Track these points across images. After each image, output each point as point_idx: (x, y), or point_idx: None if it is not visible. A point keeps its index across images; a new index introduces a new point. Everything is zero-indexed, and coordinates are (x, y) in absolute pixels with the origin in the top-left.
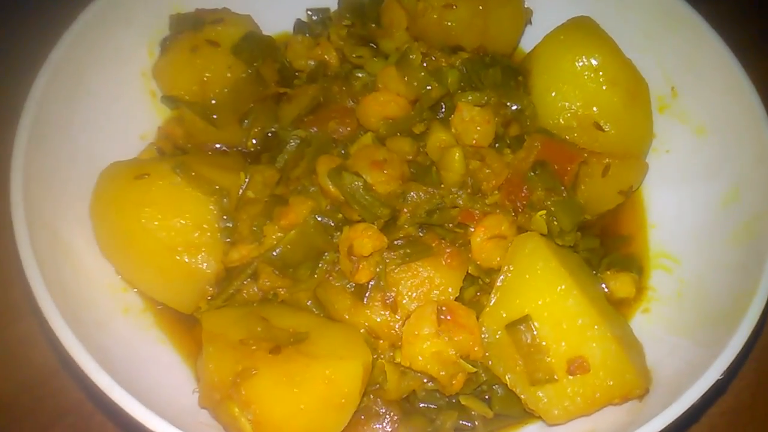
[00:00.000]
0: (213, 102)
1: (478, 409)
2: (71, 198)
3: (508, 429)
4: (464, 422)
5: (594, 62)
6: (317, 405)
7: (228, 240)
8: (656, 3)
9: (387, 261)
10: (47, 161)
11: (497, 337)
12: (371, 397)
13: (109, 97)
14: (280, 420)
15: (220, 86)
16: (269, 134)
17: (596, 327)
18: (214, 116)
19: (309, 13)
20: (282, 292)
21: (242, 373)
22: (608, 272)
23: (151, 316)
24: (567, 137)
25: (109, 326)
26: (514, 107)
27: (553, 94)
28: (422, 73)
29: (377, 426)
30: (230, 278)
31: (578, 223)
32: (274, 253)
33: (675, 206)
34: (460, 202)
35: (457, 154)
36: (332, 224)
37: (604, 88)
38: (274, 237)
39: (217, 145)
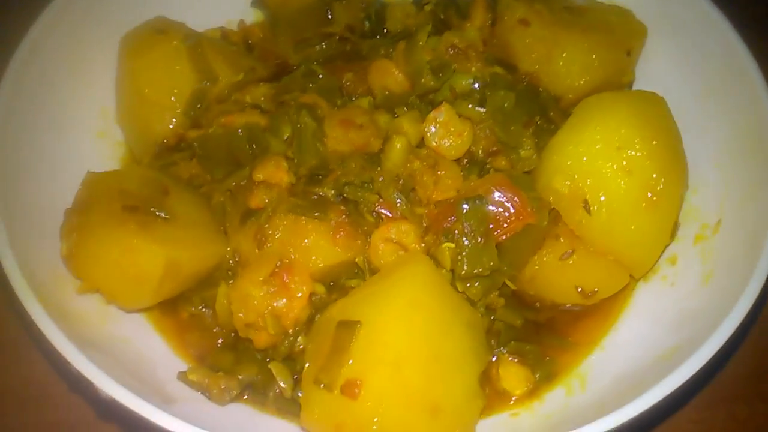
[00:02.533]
0: (283, 17)
1: (281, 378)
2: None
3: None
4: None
5: (619, 137)
6: (114, 267)
7: (192, 114)
8: (755, 123)
9: (281, 202)
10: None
11: (327, 326)
12: (207, 311)
13: None
14: (84, 261)
15: (296, 5)
16: None
17: (402, 368)
18: (279, 30)
19: None
20: (206, 185)
21: (85, 206)
22: (508, 356)
23: (122, 149)
24: (551, 201)
25: (80, 135)
26: (502, 138)
27: (561, 149)
28: (420, 58)
29: (199, 337)
30: (175, 149)
31: (478, 274)
32: (199, 139)
33: (636, 343)
34: (382, 191)
35: (399, 144)
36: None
37: (615, 167)
38: (211, 128)
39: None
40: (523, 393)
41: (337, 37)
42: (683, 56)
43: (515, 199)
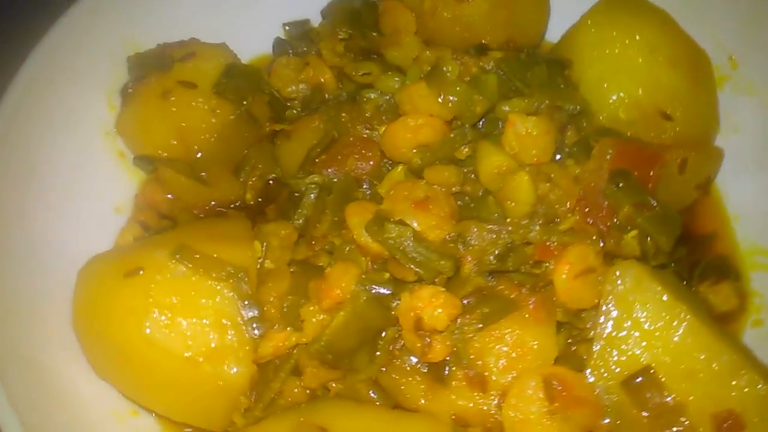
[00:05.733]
0: (199, 155)
1: None
2: (45, 312)
3: None
4: None
5: (649, 40)
6: None
7: (257, 332)
8: None
9: (463, 328)
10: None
11: (614, 399)
12: None
13: (68, 168)
14: None
15: (205, 135)
16: (270, 182)
17: (739, 371)
18: (203, 173)
19: (287, 28)
20: (334, 385)
21: None
22: (704, 284)
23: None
24: (630, 133)
25: None
26: (570, 109)
27: (606, 85)
28: (459, 87)
29: None
30: (266, 379)
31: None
32: (321, 345)
33: (754, 192)
34: (534, 236)
35: (525, 178)
36: (387, 292)
37: (662, 66)
38: (316, 321)
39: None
40: (738, 303)
41: (266, 131)
42: None
43: (637, 149)
